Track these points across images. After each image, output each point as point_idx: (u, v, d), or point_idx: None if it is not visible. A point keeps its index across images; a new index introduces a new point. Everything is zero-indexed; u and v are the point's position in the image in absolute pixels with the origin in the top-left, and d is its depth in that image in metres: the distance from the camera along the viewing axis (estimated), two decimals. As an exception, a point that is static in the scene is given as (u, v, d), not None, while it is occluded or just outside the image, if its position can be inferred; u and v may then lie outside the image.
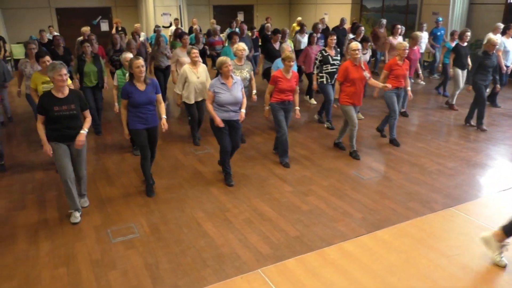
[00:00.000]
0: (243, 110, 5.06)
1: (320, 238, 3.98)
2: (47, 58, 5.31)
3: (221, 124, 4.80)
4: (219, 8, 17.86)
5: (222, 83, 4.83)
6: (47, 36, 10.27)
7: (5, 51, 11.63)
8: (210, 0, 17.53)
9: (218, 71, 4.86)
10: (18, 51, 13.75)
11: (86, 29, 9.76)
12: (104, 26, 15.78)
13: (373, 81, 5.94)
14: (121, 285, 3.37)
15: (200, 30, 11.47)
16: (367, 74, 5.73)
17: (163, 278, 3.45)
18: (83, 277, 3.47)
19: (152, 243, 3.96)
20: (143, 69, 4.48)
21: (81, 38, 9.49)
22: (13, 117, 8.13)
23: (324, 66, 6.88)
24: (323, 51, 6.90)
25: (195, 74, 6.06)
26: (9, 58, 13.12)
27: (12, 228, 4.25)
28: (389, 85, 5.96)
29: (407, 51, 6.15)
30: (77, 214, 4.31)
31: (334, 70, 6.85)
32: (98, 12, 15.68)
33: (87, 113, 4.31)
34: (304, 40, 9.95)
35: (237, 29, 11.36)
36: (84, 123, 4.26)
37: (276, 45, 8.08)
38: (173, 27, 12.63)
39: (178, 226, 4.24)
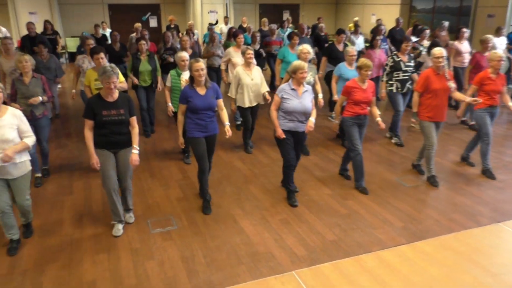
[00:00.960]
0: (312, 119, 4.51)
1: (358, 244, 3.89)
2: (101, 54, 5.24)
3: (282, 135, 4.39)
4: (265, 6, 17.89)
5: (293, 89, 4.39)
6: (102, 32, 10.46)
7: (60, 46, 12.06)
8: (256, -1, 17.62)
9: (291, 76, 4.40)
10: (71, 44, 14.42)
11: (138, 25, 9.70)
12: (153, 22, 16.22)
13: (458, 94, 5.12)
14: (158, 275, 3.45)
15: (260, 30, 10.62)
16: (452, 84, 4.98)
17: (198, 271, 3.50)
18: (122, 264, 3.59)
19: (189, 236, 4.02)
20: (203, 72, 4.16)
21: (134, 34, 9.47)
22: (61, 114, 8.20)
23: (395, 72, 6.28)
24: (394, 56, 6.31)
25: (248, 76, 5.79)
26: (63, 51, 13.74)
27: (59, 213, 4.46)
28: (479, 99, 5.03)
29: (502, 62, 5.10)
30: (120, 227, 4.06)
31: (406, 77, 6.28)
32: (147, 8, 16.14)
33: (134, 121, 3.93)
34: (358, 41, 9.64)
35: (289, 29, 11.09)
36: (133, 137, 3.93)
37: (340, 47, 7.44)
38: (222, 25, 12.62)
39: (215, 221, 4.28)
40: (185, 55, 5.48)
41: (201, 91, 4.25)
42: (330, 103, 7.56)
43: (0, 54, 6.84)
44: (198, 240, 3.95)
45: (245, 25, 12.12)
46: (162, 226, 4.20)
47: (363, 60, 4.79)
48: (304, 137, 4.63)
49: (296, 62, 4.39)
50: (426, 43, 8.06)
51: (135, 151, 3.92)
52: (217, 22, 14.23)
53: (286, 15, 17.85)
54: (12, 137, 3.44)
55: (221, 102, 4.43)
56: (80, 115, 7.94)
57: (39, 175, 5.12)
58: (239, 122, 7.09)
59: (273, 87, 9.94)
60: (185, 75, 5.34)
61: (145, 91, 6.64)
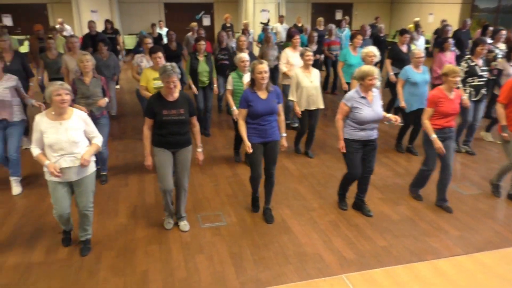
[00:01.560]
0: (388, 114, 4.21)
1: (410, 251, 3.75)
2: (159, 54, 5.20)
3: (343, 149, 4.16)
4: (318, 5, 17.72)
5: (362, 97, 4.05)
6: (158, 31, 10.67)
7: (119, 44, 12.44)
8: (309, -2, 17.48)
9: (359, 82, 4.06)
10: (129, 42, 15.01)
11: (195, 24, 9.74)
12: (206, 21, 16.54)
13: None
14: (207, 269, 3.51)
15: (316, 30, 10.10)
16: None
17: (245, 268, 3.52)
18: (173, 256, 3.68)
19: (237, 233, 4.06)
20: (267, 75, 3.90)
21: (190, 33, 9.53)
22: (118, 111, 8.27)
23: (470, 78, 5.76)
24: (469, 60, 5.79)
25: (308, 78, 5.55)
26: (120, 48, 14.31)
27: (115, 203, 4.66)
28: None
29: None
30: (171, 220, 4.15)
31: (482, 83, 5.77)
32: (201, 7, 16.48)
33: (195, 120, 3.94)
34: (419, 43, 9.20)
35: (346, 29, 10.82)
36: (196, 136, 3.98)
37: (403, 48, 7.03)
38: (277, 25, 12.56)
39: (263, 220, 4.29)
40: (245, 56, 5.36)
41: (263, 95, 3.99)
42: (389, 107, 7.29)
43: (65, 52, 7.23)
44: (246, 237, 3.98)
45: (300, 25, 11.96)
46: (212, 221, 4.27)
47: (449, 66, 4.26)
48: (376, 145, 4.25)
49: (365, 68, 4.01)
50: (501, 45, 7.35)
51: (199, 149, 3.99)
52: (268, 21, 14.25)
53: (339, 15, 17.58)
54: (80, 139, 3.43)
55: (281, 107, 4.15)
56: (136, 112, 8.31)
57: (105, 173, 5.21)
58: (296, 125, 6.94)
59: (325, 87, 9.81)
60: (247, 77, 5.23)
61: (203, 91, 6.58)
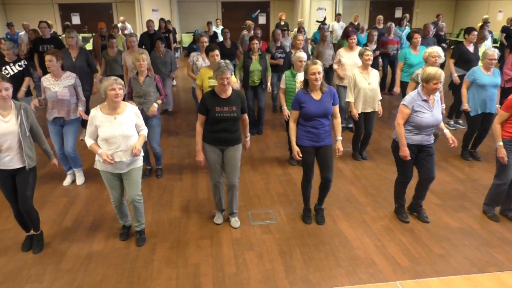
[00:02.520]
0: (446, 131, 4.01)
1: (471, 262, 3.55)
2: (216, 52, 5.24)
3: (408, 157, 3.93)
4: (376, 3, 17.23)
5: (424, 100, 3.84)
6: (214, 29, 10.80)
7: (175, 42, 12.79)
8: (358, -5, 17.05)
9: (423, 84, 3.85)
10: (186, 40, 15.43)
11: (250, 22, 9.72)
12: (262, 19, 16.62)
13: None
14: (256, 266, 3.53)
15: (376, 28, 9.89)
16: None
17: (295, 268, 3.50)
18: (224, 251, 3.74)
19: (287, 232, 4.05)
20: (320, 76, 3.78)
21: (245, 32, 9.58)
22: (174, 109, 8.42)
23: None
24: None
25: (365, 79, 5.37)
26: (178, 46, 14.76)
27: (169, 196, 4.81)
28: None
29: None
30: (220, 215, 4.23)
31: None
32: (258, 5, 16.58)
33: (246, 116, 3.97)
34: (486, 42, 8.68)
35: (407, 28, 10.43)
36: (245, 128, 4.04)
37: (470, 48, 6.62)
38: (334, 23, 12.36)
39: (315, 220, 4.24)
40: (303, 55, 5.22)
41: (316, 95, 3.87)
42: (452, 110, 6.92)
43: (124, 50, 7.55)
44: (296, 237, 3.96)
45: (356, 23, 11.67)
46: (262, 219, 4.28)
47: None
48: (433, 151, 4.03)
49: (432, 70, 3.75)
50: None
51: (247, 138, 4.03)
52: (325, 19, 14.06)
53: (399, 12, 16.97)
54: (132, 133, 3.57)
55: (337, 108, 3.98)
56: (190, 109, 8.54)
57: (160, 167, 5.39)
58: (351, 125, 6.78)
59: (383, 87, 9.49)
60: (300, 76, 5.19)
61: (253, 90, 6.58)
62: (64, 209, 4.54)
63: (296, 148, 3.96)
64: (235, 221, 4.18)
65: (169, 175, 5.38)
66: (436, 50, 4.97)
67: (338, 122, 4.06)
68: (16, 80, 5.37)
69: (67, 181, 5.15)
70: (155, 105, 4.88)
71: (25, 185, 3.53)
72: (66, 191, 4.97)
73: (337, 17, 12.51)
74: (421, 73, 5.06)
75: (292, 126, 4.01)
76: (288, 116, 5.29)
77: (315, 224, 4.18)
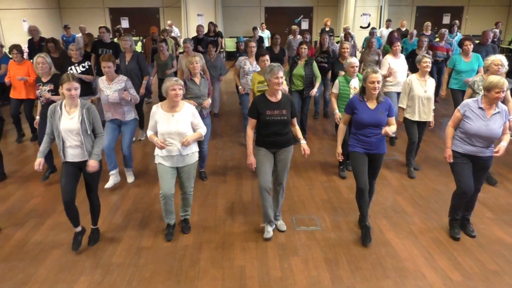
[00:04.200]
0: (503, 144, 3.78)
1: (528, 280, 3.38)
2: (267, 57, 5.24)
3: (451, 159, 3.88)
4: (423, 9, 16.79)
5: (480, 108, 3.72)
6: (259, 34, 10.80)
7: (221, 46, 12.93)
8: (414, 0, 16.62)
9: (484, 93, 3.70)
10: (230, 44, 15.63)
11: (295, 27, 9.79)
12: (304, 25, 16.59)
13: None
14: (301, 272, 3.52)
15: (424, 34, 9.31)
16: None
17: (341, 276, 3.46)
18: (269, 255, 3.76)
19: (332, 239, 4.01)
20: (379, 85, 3.72)
21: (291, 37, 9.58)
22: (220, 110, 8.59)
23: None
24: None
25: (422, 87, 5.19)
26: (222, 50, 14.98)
27: (214, 198, 4.89)
28: None
29: None
30: (270, 229, 4.05)
31: None
32: (301, 11, 16.57)
33: (295, 121, 3.97)
34: None
35: (459, 34, 10.05)
36: (297, 132, 3.99)
37: None
38: (383, 29, 12.14)
39: (359, 228, 4.18)
40: (355, 61, 5.22)
41: (371, 104, 3.81)
42: None
43: (173, 53, 7.76)
44: (341, 245, 3.92)
45: (403, 29, 11.43)
46: (306, 225, 4.27)
47: None
48: (488, 165, 3.87)
49: (494, 79, 3.61)
50: None
51: (303, 141, 3.93)
52: (369, 25, 13.87)
53: (447, 19, 16.47)
54: (187, 130, 3.77)
55: (393, 120, 3.90)
56: (233, 112, 8.65)
57: (203, 170, 5.41)
58: (393, 134, 6.57)
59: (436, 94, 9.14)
60: (354, 82, 5.18)
61: (299, 95, 6.52)
62: (114, 206, 4.71)
63: (339, 150, 4.06)
64: (281, 224, 4.20)
65: (214, 177, 5.46)
66: (499, 58, 4.77)
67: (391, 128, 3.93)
68: (79, 80, 5.60)
69: (109, 184, 5.11)
70: (210, 100, 5.05)
71: (90, 179, 3.80)
72: (116, 188, 5.15)
73: (387, 23, 12.28)
74: (479, 81, 4.89)
75: (342, 127, 4.07)
76: (339, 119, 5.30)
77: (360, 232, 4.11)
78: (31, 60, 6.03)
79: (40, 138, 5.12)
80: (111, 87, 4.91)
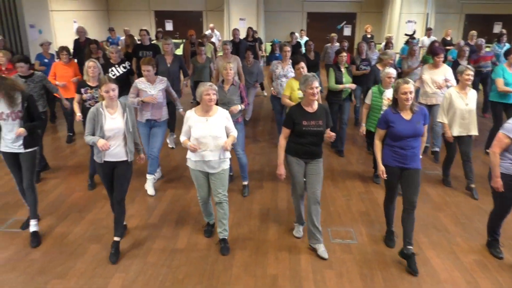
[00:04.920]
0: None
1: None
2: (302, 64, 5.22)
3: (501, 189, 3.64)
4: (473, 17, 16.17)
5: None
6: (297, 39, 10.76)
7: (261, 50, 12.87)
8: (463, 8, 16.03)
9: None
10: (270, 49, 15.65)
11: (333, 35, 9.65)
12: (347, 31, 16.38)
13: None
14: (335, 286, 3.44)
15: (468, 44, 9.15)
16: None
17: (377, 293, 3.35)
18: (302, 266, 3.69)
19: (369, 254, 3.89)
20: (412, 96, 3.61)
21: (329, 44, 9.46)
22: (252, 117, 8.36)
23: None
24: None
25: (463, 100, 4.97)
26: (262, 55, 15.00)
27: (250, 204, 4.87)
28: None
29: None
30: (300, 228, 4.17)
31: None
32: (344, 17, 16.37)
33: (329, 131, 3.85)
34: None
35: (507, 44, 9.59)
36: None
37: None
38: (424, 38, 11.79)
39: (398, 244, 4.02)
40: (392, 71, 5.06)
41: (406, 115, 3.69)
42: None
43: (212, 57, 7.82)
44: (378, 260, 3.79)
45: (449, 38, 11.03)
46: (342, 238, 4.17)
47: None
48: None
49: None
50: None
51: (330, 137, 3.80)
52: (414, 33, 13.49)
53: (498, 27, 15.76)
54: (221, 134, 3.77)
55: (425, 128, 3.80)
56: (269, 117, 8.62)
57: (246, 183, 5.19)
58: (437, 149, 6.32)
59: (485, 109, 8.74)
60: (388, 93, 5.00)
61: (338, 104, 6.28)
62: (151, 205, 4.79)
63: (381, 167, 3.82)
64: (323, 251, 3.84)
65: (250, 182, 5.42)
66: None
67: (423, 140, 3.84)
68: (121, 81, 5.65)
69: (150, 186, 5.10)
70: (239, 106, 4.92)
71: (123, 178, 3.81)
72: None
73: (428, 32, 11.92)
74: None
75: (378, 144, 3.89)
76: (364, 133, 5.34)
77: (398, 249, 3.94)
78: (75, 60, 6.24)
79: None
80: (155, 87, 4.99)
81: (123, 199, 3.84)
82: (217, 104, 4.92)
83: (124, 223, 4.10)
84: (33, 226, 4.08)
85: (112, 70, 6.18)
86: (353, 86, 6.19)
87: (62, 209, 4.69)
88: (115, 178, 3.81)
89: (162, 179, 5.50)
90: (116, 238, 3.81)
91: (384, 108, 4.92)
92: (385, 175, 3.81)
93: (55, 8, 13.28)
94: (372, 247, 4.00)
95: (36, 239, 4.01)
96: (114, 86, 3.65)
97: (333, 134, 3.81)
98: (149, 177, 5.14)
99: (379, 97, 5.12)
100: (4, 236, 4.15)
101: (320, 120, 3.77)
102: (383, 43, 10.82)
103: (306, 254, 3.88)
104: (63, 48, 6.62)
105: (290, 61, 6.26)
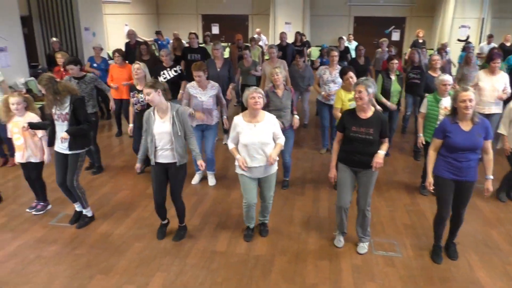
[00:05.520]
0: None
1: None
2: (350, 74, 5.07)
3: None
4: (533, 22, 15.20)
5: None
6: (346, 44, 10.52)
7: (308, 55, 12.68)
8: (522, 13, 15.13)
9: None
10: (315, 54, 15.50)
11: (384, 39, 9.35)
12: (395, 36, 15.91)
13: None
14: (377, 300, 3.32)
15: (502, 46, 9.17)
16: None
17: (421, 311, 3.20)
18: (343, 277, 3.60)
19: (414, 269, 3.73)
20: (471, 104, 3.39)
21: (379, 49, 9.21)
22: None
23: None
24: None
25: None
26: (308, 59, 14.88)
27: (290, 209, 4.82)
28: None
29: None
30: (341, 238, 4.08)
31: None
32: (392, 21, 15.92)
33: (386, 140, 3.73)
34: None
35: None
36: (382, 145, 3.71)
37: None
38: (483, 44, 11.22)
39: (446, 262, 3.83)
40: (448, 78, 4.83)
41: (466, 126, 3.48)
42: None
43: (259, 61, 7.83)
44: (423, 276, 3.63)
45: (508, 44, 10.43)
46: (385, 250, 4.03)
47: None
48: None
49: None
50: None
51: (381, 151, 3.64)
52: (468, 38, 12.88)
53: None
54: (269, 140, 3.78)
55: (489, 143, 3.55)
56: (312, 122, 8.51)
57: (287, 178, 5.39)
58: None
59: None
60: (444, 102, 4.79)
61: (389, 111, 6.11)
62: (193, 207, 4.85)
63: (430, 179, 3.67)
64: (361, 247, 3.97)
65: (291, 187, 5.39)
66: None
67: (489, 158, 3.62)
68: (172, 84, 5.78)
69: (195, 180, 5.50)
70: (297, 117, 5.00)
71: (175, 180, 3.94)
72: (195, 189, 5.32)
73: (488, 39, 11.23)
74: None
75: (432, 154, 3.71)
76: (422, 144, 5.02)
77: (446, 265, 3.78)
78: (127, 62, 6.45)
79: (134, 145, 5.39)
80: (206, 93, 5.07)
81: (177, 198, 4.02)
82: (270, 110, 4.94)
83: (183, 223, 4.23)
84: (84, 211, 4.46)
85: (163, 73, 6.33)
86: (394, 107, 6.04)
87: (109, 207, 4.85)
88: (169, 180, 3.96)
89: (203, 181, 5.56)
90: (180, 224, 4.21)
91: (441, 117, 4.68)
92: (431, 187, 3.65)
93: (108, 11, 13.84)
94: (418, 262, 3.83)
95: (75, 218, 4.46)
96: (148, 90, 3.68)
97: (380, 163, 3.63)
98: (209, 173, 5.49)
99: (435, 106, 4.89)
100: (54, 230, 4.34)
101: (371, 128, 3.61)
102: (435, 49, 10.38)
103: (348, 265, 3.78)
104: (116, 50, 6.87)
105: (338, 66, 6.17)
